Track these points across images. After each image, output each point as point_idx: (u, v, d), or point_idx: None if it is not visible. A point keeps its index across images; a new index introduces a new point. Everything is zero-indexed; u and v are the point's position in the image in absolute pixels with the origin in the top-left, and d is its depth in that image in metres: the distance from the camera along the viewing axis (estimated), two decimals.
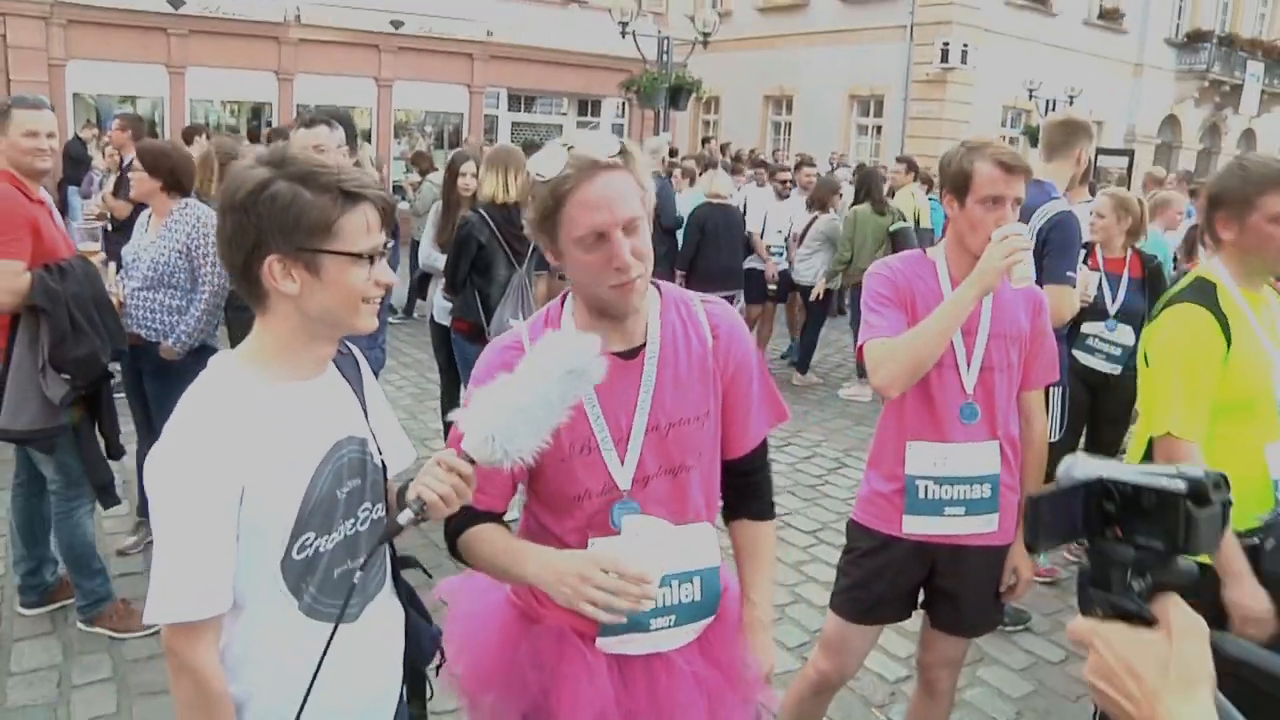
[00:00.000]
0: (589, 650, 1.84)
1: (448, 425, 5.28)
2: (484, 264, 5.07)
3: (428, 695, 2.00)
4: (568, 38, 21.38)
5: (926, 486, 2.63)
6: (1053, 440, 3.51)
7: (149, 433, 4.63)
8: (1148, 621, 0.96)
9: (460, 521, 1.80)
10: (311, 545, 1.61)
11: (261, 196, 1.51)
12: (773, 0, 27.02)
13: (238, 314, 6.21)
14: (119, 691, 3.65)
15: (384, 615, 1.80)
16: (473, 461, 1.54)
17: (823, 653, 2.94)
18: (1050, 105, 23.07)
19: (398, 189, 14.29)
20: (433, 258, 5.86)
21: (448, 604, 2.06)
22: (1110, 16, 27.03)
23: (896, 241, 8.23)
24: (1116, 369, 4.96)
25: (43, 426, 3.70)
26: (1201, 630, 0.95)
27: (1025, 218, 3.44)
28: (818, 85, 25.44)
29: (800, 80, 26.09)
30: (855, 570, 2.83)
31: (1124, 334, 4.94)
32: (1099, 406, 5.04)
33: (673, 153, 12.87)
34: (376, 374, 2.83)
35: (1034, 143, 21.69)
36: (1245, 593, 2.36)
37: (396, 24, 19.32)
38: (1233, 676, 1.01)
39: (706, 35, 17.73)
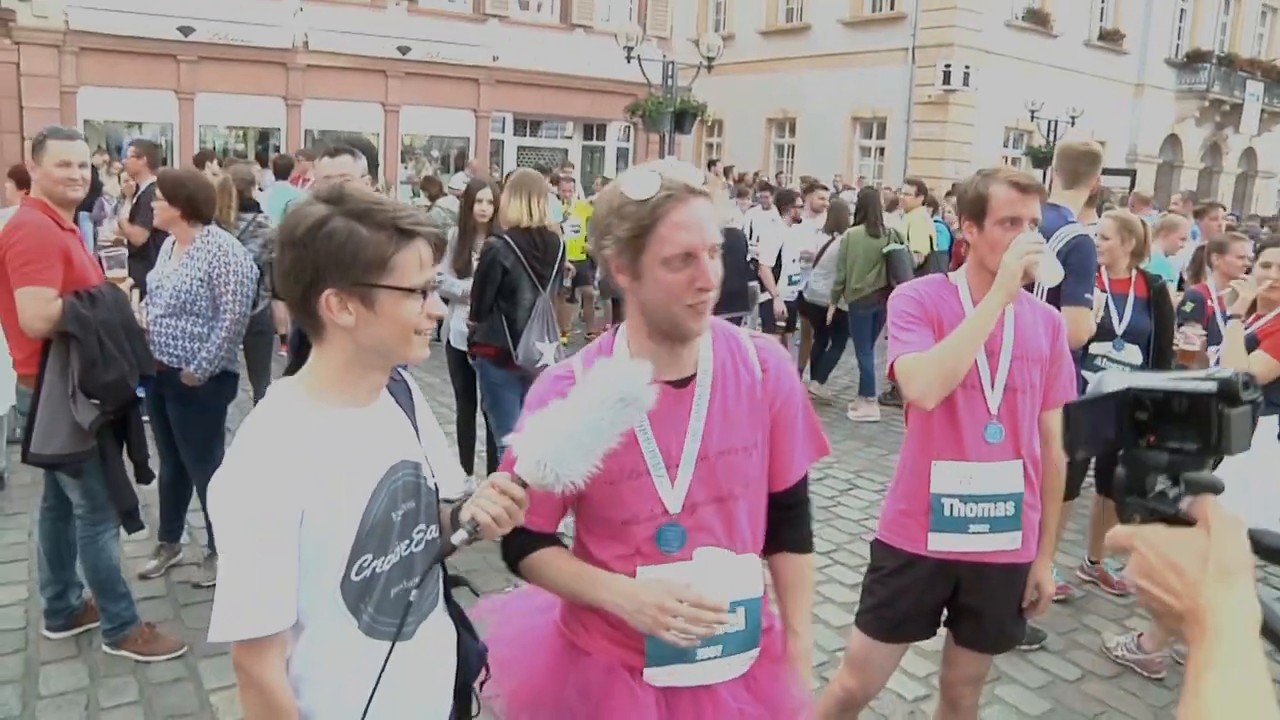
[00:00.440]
0: (637, 684, 1.88)
1: (463, 447, 5.23)
2: (509, 289, 5.11)
3: (474, 712, 2.03)
4: (573, 62, 21.59)
5: (952, 504, 2.68)
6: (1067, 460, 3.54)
7: (172, 457, 4.69)
8: (1186, 522, 0.99)
9: (520, 543, 1.86)
10: (369, 566, 1.66)
11: (319, 233, 1.57)
12: (775, 24, 27.26)
13: (256, 339, 6.29)
14: (145, 715, 3.68)
15: (437, 633, 1.85)
16: (525, 485, 1.59)
17: (849, 671, 2.98)
18: (1052, 126, 23.21)
19: None
20: (448, 283, 5.91)
21: (490, 622, 2.11)
22: (1111, 38, 27.24)
23: (891, 263, 8.31)
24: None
25: (72, 451, 3.76)
26: (1239, 523, 0.98)
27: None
28: (820, 108, 25.64)
29: (803, 103, 26.29)
30: (881, 589, 2.87)
31: (1131, 353, 4.97)
32: None
33: None
34: None
35: (1036, 163, 21.82)
36: None
37: (403, 50, 19.51)
38: None
39: (711, 59, 17.85)
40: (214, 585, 4.58)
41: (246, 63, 18.13)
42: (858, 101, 25.12)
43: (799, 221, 9.75)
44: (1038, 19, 25.24)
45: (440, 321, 1.77)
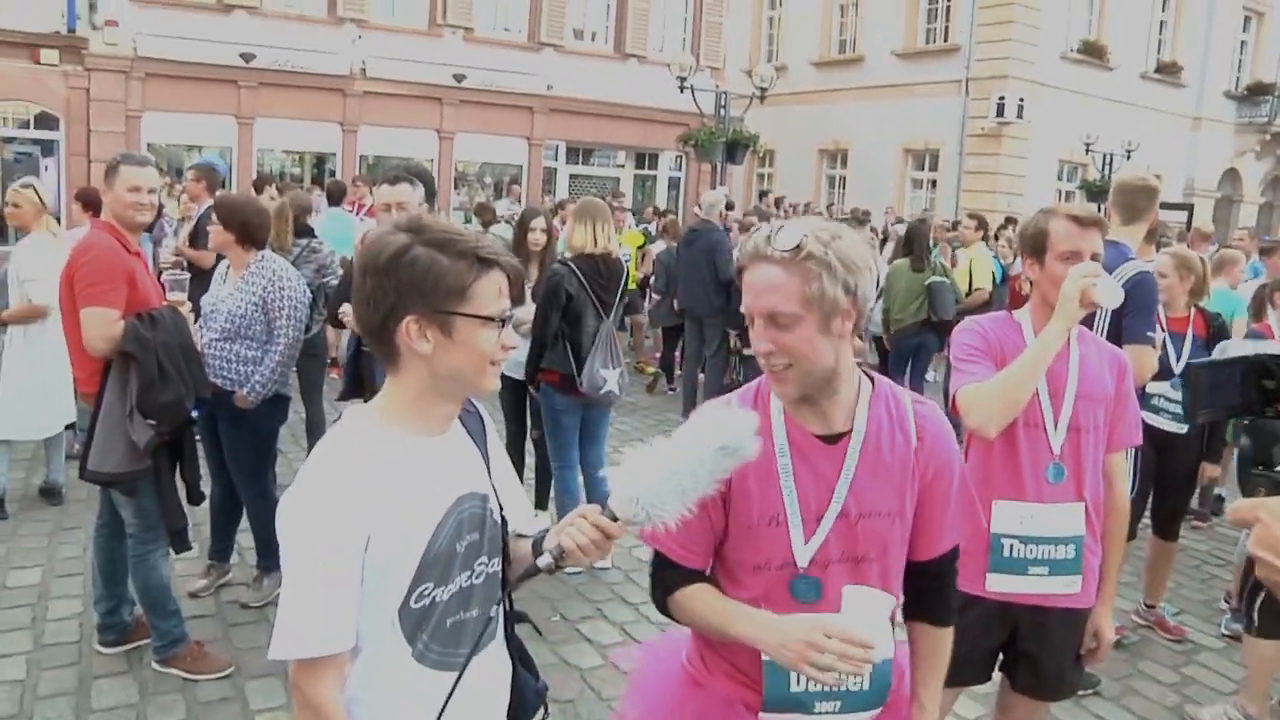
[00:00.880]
0: None
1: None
2: (574, 315, 5.14)
3: None
4: (626, 92, 21.76)
5: (1011, 545, 2.63)
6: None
7: (223, 477, 4.75)
8: None
9: (672, 580, 1.88)
10: (429, 595, 1.67)
11: (402, 260, 1.60)
12: (829, 55, 27.26)
13: (308, 362, 6.36)
14: None
15: (492, 665, 1.84)
16: (615, 519, 1.60)
17: None
18: (1107, 159, 22.91)
19: None
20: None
21: (631, 671, 2.16)
22: (1168, 70, 26.87)
23: (932, 296, 8.31)
24: (1182, 428, 4.88)
25: (127, 469, 3.83)
26: None
27: None
28: (872, 139, 25.53)
29: (855, 134, 26.20)
30: None
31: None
32: (1165, 465, 4.95)
33: (729, 206, 12.97)
34: None
35: (1090, 197, 21.51)
36: None
37: (459, 78, 19.79)
38: None
39: (764, 90, 17.89)
40: (262, 606, 4.57)
41: (305, 89, 18.52)
42: (910, 133, 25.00)
43: None
44: (1093, 51, 24.98)
45: None
